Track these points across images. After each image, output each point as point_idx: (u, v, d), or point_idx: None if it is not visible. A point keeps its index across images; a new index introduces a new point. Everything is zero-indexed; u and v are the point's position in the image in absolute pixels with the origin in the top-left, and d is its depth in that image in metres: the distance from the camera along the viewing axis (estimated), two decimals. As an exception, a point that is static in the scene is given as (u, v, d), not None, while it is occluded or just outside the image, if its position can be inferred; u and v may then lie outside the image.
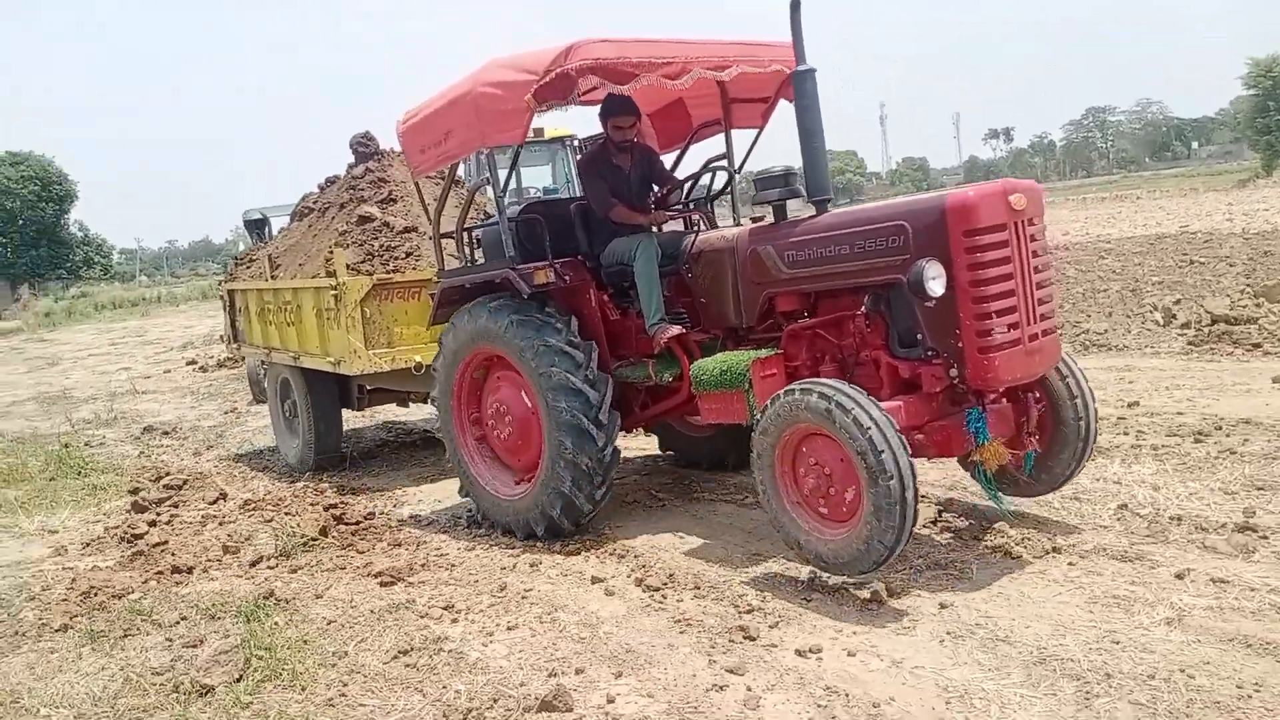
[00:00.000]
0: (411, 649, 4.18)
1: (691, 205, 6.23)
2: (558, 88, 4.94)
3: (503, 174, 6.88)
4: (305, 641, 4.35)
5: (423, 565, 5.31)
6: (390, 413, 10.41)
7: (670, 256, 5.58)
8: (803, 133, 4.76)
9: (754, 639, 3.98)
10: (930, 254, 4.15)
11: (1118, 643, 3.62)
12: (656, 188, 6.14)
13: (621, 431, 5.60)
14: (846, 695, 3.47)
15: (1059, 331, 4.58)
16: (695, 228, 5.91)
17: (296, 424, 8.45)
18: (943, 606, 4.09)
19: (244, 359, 12.03)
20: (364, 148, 9.13)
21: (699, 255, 5.47)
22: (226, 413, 12.23)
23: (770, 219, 5.13)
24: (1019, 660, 3.57)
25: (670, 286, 5.57)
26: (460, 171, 7.27)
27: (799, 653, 3.81)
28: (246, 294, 9.34)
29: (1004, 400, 4.61)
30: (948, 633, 3.86)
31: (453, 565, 5.31)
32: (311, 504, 6.76)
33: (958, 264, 4.14)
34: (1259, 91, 57.25)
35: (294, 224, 9.85)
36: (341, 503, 6.68)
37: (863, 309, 4.63)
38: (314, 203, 9.63)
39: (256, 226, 14.66)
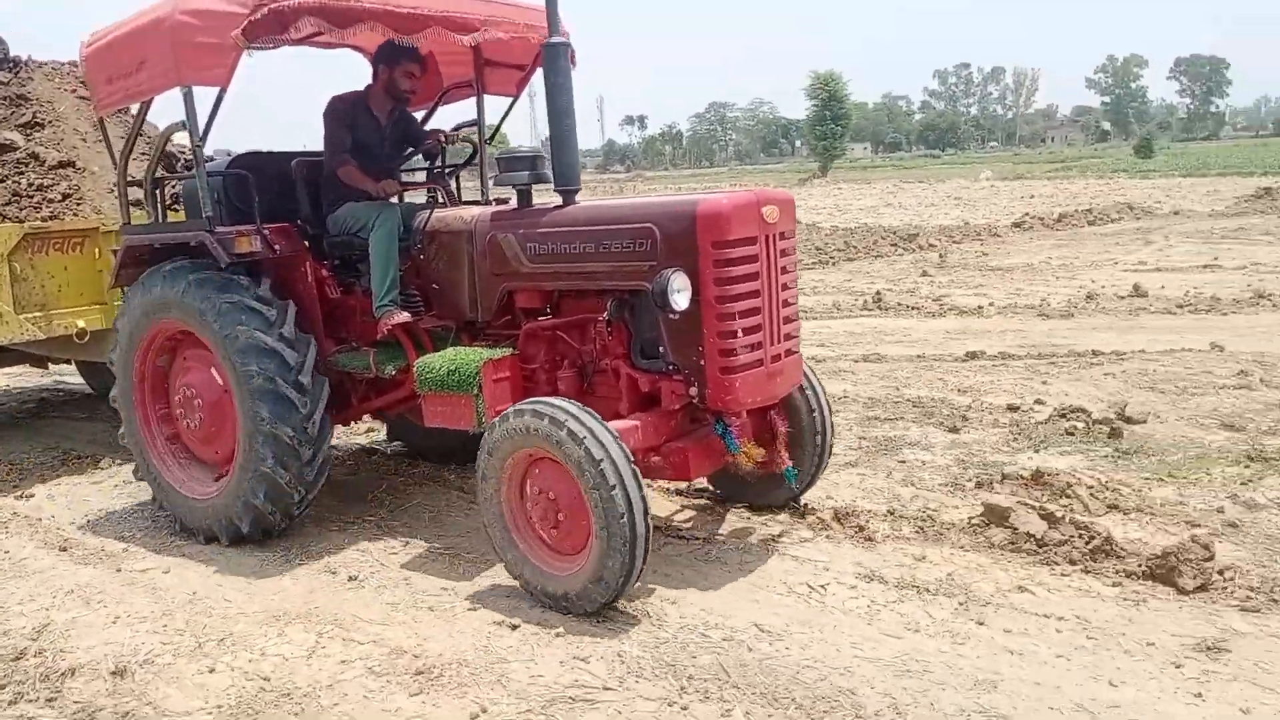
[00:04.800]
0: None
1: (434, 174, 5.71)
2: (269, 26, 4.42)
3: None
4: None
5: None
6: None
7: (409, 230, 5.01)
8: (552, 112, 4.30)
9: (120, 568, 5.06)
10: (678, 262, 3.88)
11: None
12: (412, 150, 5.53)
13: (339, 425, 5.18)
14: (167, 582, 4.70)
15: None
16: (431, 201, 5.33)
17: None
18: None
19: None
20: None
21: (433, 235, 4.90)
22: None
23: (514, 202, 4.71)
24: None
25: (405, 266, 5.00)
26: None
27: (143, 571, 4.94)
28: None
29: (744, 417, 4.35)
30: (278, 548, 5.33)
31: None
32: None
33: (705, 277, 3.86)
34: (818, 102, 66.41)
35: None
36: None
37: (605, 315, 4.28)
38: None
39: None
